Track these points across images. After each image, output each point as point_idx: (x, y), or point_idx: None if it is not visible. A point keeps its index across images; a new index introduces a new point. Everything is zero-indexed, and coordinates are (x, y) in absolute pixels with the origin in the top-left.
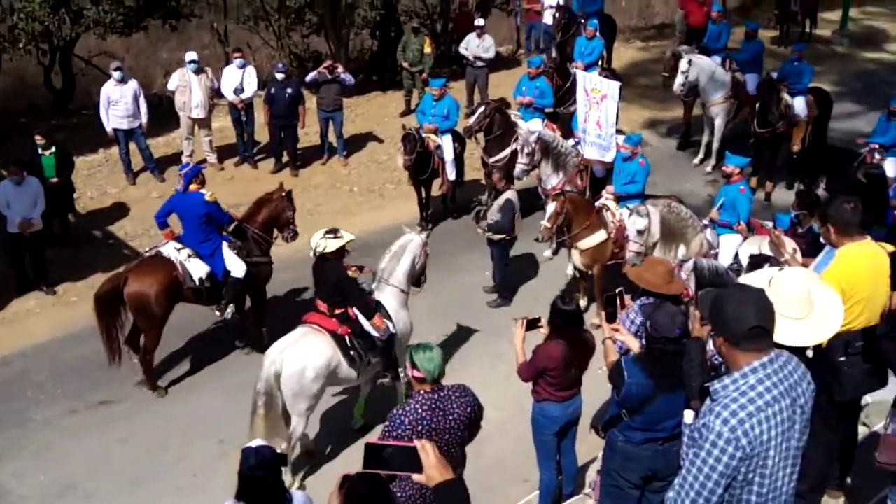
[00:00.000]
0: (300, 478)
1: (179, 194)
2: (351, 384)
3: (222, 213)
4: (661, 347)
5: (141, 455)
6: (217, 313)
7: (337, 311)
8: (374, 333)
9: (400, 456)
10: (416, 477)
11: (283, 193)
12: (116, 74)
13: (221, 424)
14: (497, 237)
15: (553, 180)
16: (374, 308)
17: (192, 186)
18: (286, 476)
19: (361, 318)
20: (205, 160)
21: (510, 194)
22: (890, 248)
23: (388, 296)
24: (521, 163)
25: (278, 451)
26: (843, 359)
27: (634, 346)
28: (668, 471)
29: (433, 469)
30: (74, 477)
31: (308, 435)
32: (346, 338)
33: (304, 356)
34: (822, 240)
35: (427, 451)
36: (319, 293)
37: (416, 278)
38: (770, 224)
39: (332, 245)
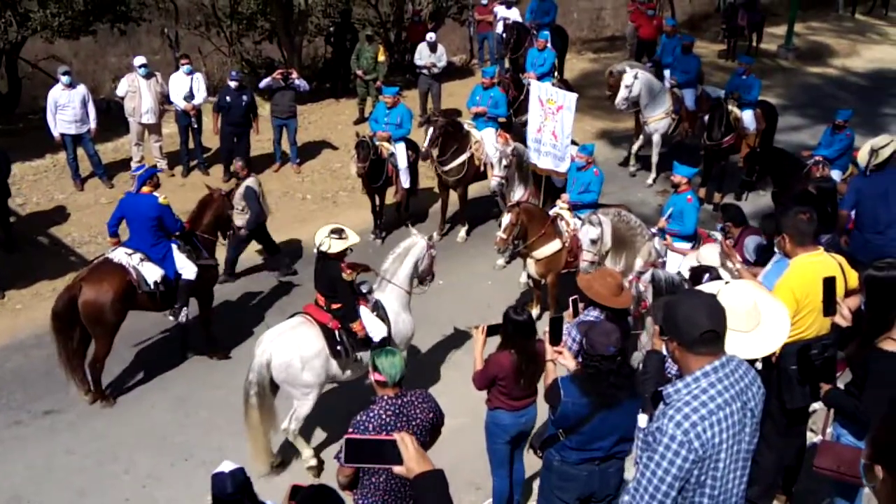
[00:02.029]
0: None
1: (131, 196)
2: (337, 380)
3: (173, 218)
4: (597, 365)
5: (88, 466)
6: (171, 318)
7: (334, 307)
8: (358, 336)
9: (380, 449)
10: (396, 469)
11: (224, 193)
12: (64, 78)
13: (170, 434)
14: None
15: (519, 192)
16: (357, 313)
17: (145, 189)
18: (304, 451)
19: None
20: (155, 166)
21: (250, 181)
22: (840, 258)
23: (389, 296)
24: (498, 175)
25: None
26: (795, 367)
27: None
28: (606, 491)
29: (413, 461)
30: (19, 489)
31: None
32: (336, 332)
33: (293, 346)
34: (775, 249)
35: (406, 444)
36: (318, 287)
37: (422, 278)
38: (718, 234)
39: (336, 246)
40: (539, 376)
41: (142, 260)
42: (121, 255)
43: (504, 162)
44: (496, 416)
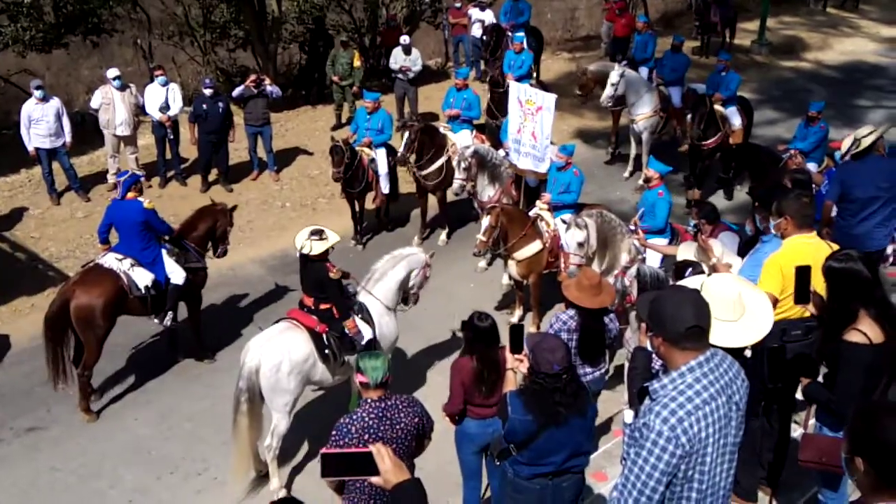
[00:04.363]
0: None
1: (117, 202)
2: (325, 384)
3: (160, 221)
4: (542, 382)
5: (73, 483)
6: (156, 321)
7: (322, 307)
8: (350, 334)
9: (356, 461)
10: (373, 479)
11: (229, 208)
12: (38, 92)
13: (154, 447)
14: None
15: (489, 192)
16: (349, 311)
17: (130, 194)
18: (273, 480)
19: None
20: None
21: None
22: (835, 246)
23: (372, 299)
24: (458, 178)
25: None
26: (776, 346)
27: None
28: None
29: (389, 472)
30: None
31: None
32: (323, 336)
33: (282, 350)
34: (773, 231)
35: (382, 455)
36: (306, 290)
37: (408, 296)
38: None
39: (317, 248)
40: (498, 386)
41: (132, 265)
42: (111, 261)
43: (463, 164)
44: (463, 424)
